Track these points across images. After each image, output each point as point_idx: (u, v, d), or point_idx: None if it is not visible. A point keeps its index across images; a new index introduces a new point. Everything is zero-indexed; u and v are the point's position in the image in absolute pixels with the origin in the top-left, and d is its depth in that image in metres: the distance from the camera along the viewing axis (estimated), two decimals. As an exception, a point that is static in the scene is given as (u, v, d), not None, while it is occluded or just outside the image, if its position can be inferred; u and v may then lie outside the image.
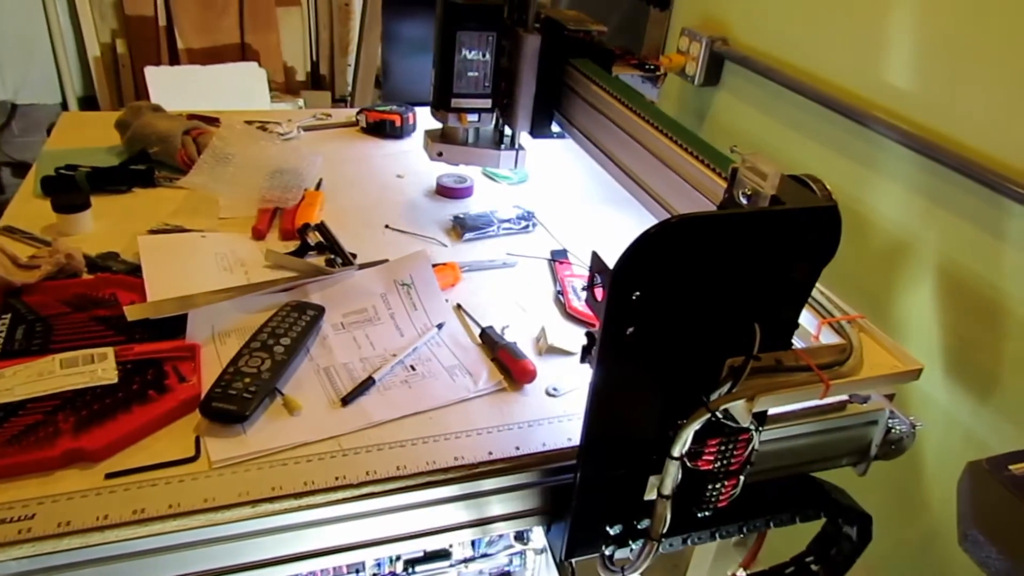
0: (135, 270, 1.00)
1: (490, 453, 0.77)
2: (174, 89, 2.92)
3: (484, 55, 1.12)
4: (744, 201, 0.73)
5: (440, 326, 0.97)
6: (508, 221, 1.24)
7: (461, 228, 1.22)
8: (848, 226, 1.33)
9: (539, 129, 1.23)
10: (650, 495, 0.74)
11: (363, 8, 3.29)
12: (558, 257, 1.15)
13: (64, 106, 3.29)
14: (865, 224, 1.28)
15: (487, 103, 1.18)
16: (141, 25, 3.20)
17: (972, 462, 0.64)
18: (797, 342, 0.88)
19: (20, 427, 0.73)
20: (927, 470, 1.20)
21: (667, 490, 0.71)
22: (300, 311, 0.93)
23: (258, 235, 1.14)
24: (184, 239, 1.10)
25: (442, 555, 1.12)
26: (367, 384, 0.85)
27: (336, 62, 3.65)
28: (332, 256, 1.10)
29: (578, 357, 0.75)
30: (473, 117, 1.18)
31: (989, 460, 0.64)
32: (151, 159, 1.29)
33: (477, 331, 0.97)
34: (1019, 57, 1.01)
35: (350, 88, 3.57)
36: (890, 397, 0.91)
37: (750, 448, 0.73)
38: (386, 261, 1.07)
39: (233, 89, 3.09)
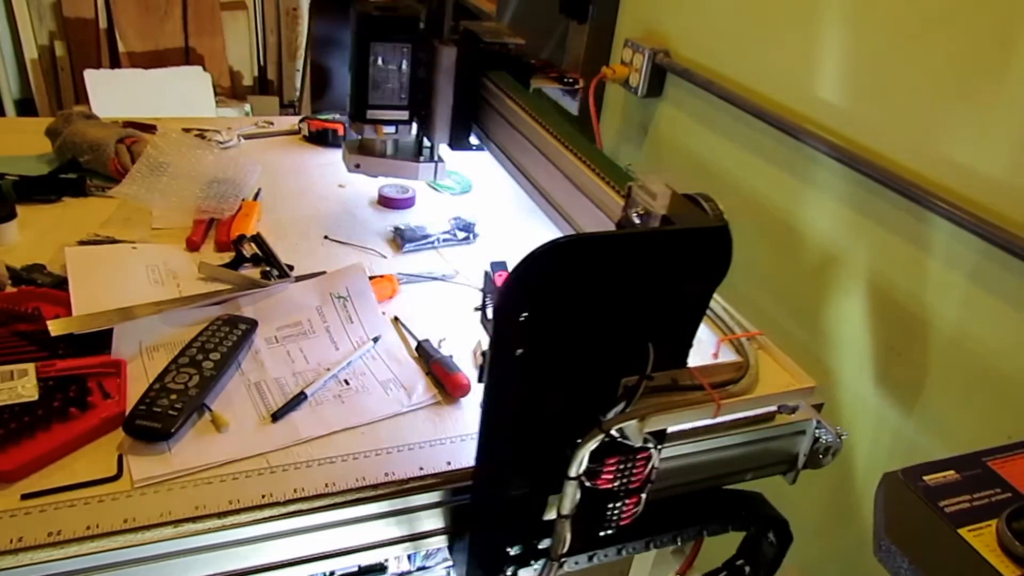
0: (61, 283, 0.97)
1: (420, 468, 0.77)
2: (115, 93, 2.86)
3: (399, 66, 1.11)
4: (637, 220, 0.73)
5: (376, 339, 0.96)
6: (449, 232, 1.24)
7: (401, 239, 1.21)
8: (781, 237, 1.36)
9: (458, 141, 1.22)
10: (550, 515, 0.74)
11: (310, 13, 3.26)
12: (497, 269, 1.15)
13: (0, 109, 3.20)
14: (798, 235, 1.31)
15: (404, 115, 1.17)
16: (81, 27, 3.12)
17: (888, 473, 0.65)
18: (702, 359, 0.89)
19: (-68, 447, 0.71)
20: (857, 477, 1.23)
21: (566, 510, 0.70)
22: (231, 325, 0.91)
23: (192, 247, 1.12)
24: (114, 251, 1.07)
25: (377, 569, 1.11)
26: (299, 399, 0.84)
27: (284, 67, 3.61)
28: (268, 268, 1.08)
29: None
30: (390, 129, 1.17)
31: (904, 470, 0.65)
32: (82, 168, 1.26)
33: (414, 344, 0.97)
34: (940, 76, 1.04)
35: (298, 93, 3.54)
36: (818, 408, 0.93)
37: (650, 467, 0.73)
38: (323, 273, 1.06)
39: (177, 94, 3.03)
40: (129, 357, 0.87)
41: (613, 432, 0.67)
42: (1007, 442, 0.70)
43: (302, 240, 1.19)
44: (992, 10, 0.98)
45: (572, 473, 0.68)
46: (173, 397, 0.79)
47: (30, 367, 0.81)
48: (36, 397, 0.77)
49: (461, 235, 1.25)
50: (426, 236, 1.22)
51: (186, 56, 3.31)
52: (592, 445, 0.66)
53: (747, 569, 0.97)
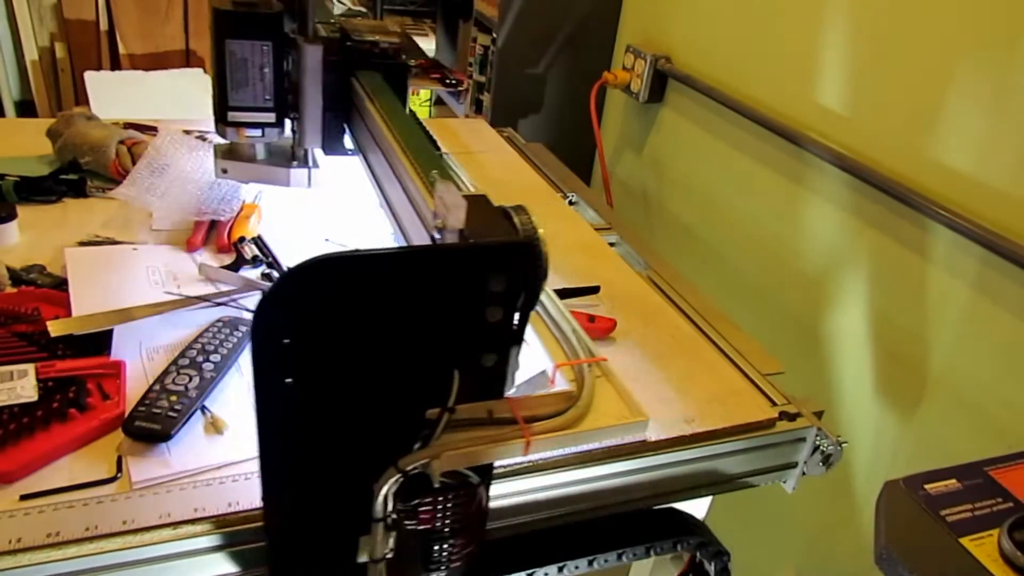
0: (61, 284, 0.97)
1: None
2: (115, 95, 2.86)
3: (261, 67, 1.04)
4: (436, 236, 0.66)
5: (376, 342, 0.96)
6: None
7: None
8: (782, 244, 1.36)
9: (331, 145, 1.14)
10: (362, 557, 0.66)
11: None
12: (498, 273, 1.16)
13: (0, 110, 3.20)
14: (799, 242, 1.31)
15: (270, 117, 1.09)
16: (81, 29, 3.12)
17: (889, 481, 0.65)
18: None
19: (-69, 447, 0.71)
20: (856, 486, 1.23)
21: (376, 554, 0.63)
22: (232, 327, 0.91)
23: (192, 248, 1.12)
24: (114, 252, 1.07)
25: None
26: (298, 402, 0.84)
27: (284, 70, 3.61)
28: (268, 270, 1.08)
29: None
30: (255, 132, 1.10)
31: (906, 479, 0.65)
32: (83, 169, 1.26)
33: (413, 347, 0.96)
34: (942, 85, 1.05)
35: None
36: (819, 415, 0.93)
37: (476, 504, 0.66)
38: (323, 276, 1.06)
39: (177, 96, 3.03)
40: (129, 358, 0.86)
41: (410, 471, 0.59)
42: (1008, 452, 0.70)
43: (303, 241, 1.19)
44: (995, 22, 0.98)
45: (376, 515, 0.60)
46: (173, 399, 0.78)
47: (30, 368, 0.80)
48: (35, 398, 0.77)
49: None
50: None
51: (186, 58, 3.31)
52: (389, 486, 0.59)
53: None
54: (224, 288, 1.02)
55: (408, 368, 0.58)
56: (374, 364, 0.57)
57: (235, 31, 1.01)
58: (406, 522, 0.63)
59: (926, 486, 0.65)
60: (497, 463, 0.76)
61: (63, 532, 0.65)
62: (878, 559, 0.60)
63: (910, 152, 1.10)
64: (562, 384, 0.72)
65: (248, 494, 0.71)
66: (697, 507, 0.99)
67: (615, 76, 1.83)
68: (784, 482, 0.94)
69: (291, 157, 1.17)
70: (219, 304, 0.97)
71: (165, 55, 3.25)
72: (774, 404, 0.92)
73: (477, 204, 0.62)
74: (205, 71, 3.16)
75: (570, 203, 1.41)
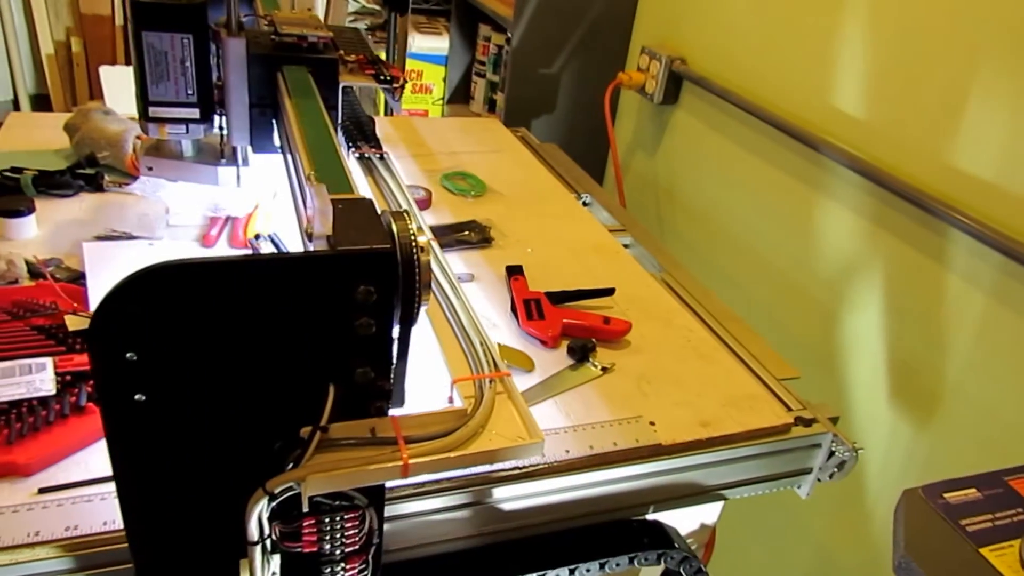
0: (78, 278, 0.98)
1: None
2: (129, 89, 2.86)
3: (182, 60, 1.00)
4: (307, 241, 0.62)
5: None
6: (465, 235, 1.24)
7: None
8: (797, 248, 1.35)
9: (259, 143, 1.09)
10: None
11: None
12: (513, 273, 1.16)
13: (16, 104, 3.21)
14: (814, 246, 1.31)
15: (194, 113, 1.04)
16: (97, 23, 3.14)
17: (908, 490, 0.65)
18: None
19: (-50, 439, 0.71)
20: (869, 494, 1.22)
21: None
22: (248, 323, 0.91)
23: (208, 244, 1.12)
24: (131, 247, 1.08)
25: None
26: (313, 399, 0.84)
27: (298, 67, 3.62)
28: (283, 267, 1.08)
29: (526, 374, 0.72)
30: (178, 128, 1.05)
31: (925, 488, 0.65)
32: (99, 163, 1.27)
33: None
34: (960, 91, 1.04)
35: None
36: (834, 420, 0.92)
37: (367, 526, 0.62)
38: (338, 274, 1.06)
39: (191, 91, 3.04)
40: (145, 353, 0.87)
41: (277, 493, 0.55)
42: (1028, 461, 0.69)
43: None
44: (1017, 24, 0.97)
45: (251, 538, 0.56)
46: (189, 395, 0.78)
47: (48, 361, 0.81)
48: (53, 391, 0.78)
49: (477, 238, 1.25)
50: (442, 239, 1.22)
51: (201, 54, 3.32)
52: (260, 509, 0.55)
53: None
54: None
55: (274, 382, 0.54)
56: (235, 378, 0.53)
57: (152, 23, 0.97)
58: (290, 545, 0.59)
59: (945, 495, 0.64)
60: (510, 463, 0.76)
61: (81, 526, 0.65)
62: (896, 568, 0.60)
63: (928, 157, 1.09)
64: (460, 402, 0.67)
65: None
66: (709, 513, 0.99)
67: (629, 77, 1.82)
68: (798, 488, 0.94)
69: (219, 155, 1.13)
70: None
71: (179, 50, 3.27)
72: (789, 409, 0.92)
73: (355, 209, 0.58)
74: (219, 67, 3.17)
75: (584, 204, 1.41)
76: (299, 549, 0.60)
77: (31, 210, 1.08)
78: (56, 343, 0.86)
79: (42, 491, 0.68)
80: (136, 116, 1.40)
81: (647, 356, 0.98)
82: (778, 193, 1.40)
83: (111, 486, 0.70)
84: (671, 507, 0.88)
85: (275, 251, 1.11)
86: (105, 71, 2.89)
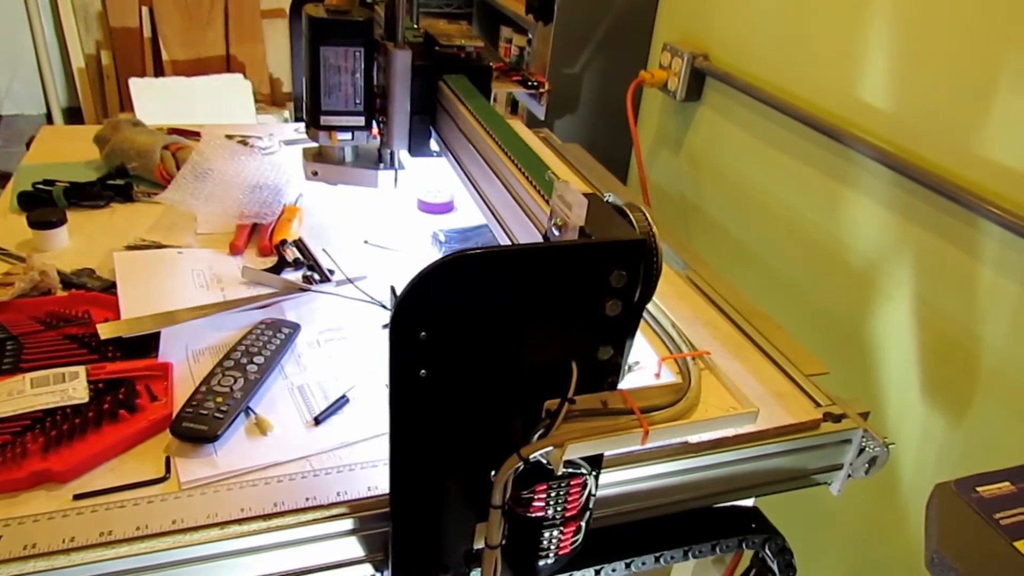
0: (110, 287, 0.99)
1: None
2: (158, 101, 2.91)
3: (352, 71, 1.08)
4: (556, 233, 0.69)
5: (416, 344, 0.97)
6: (488, 237, 1.24)
7: (440, 244, 1.21)
8: (825, 243, 1.34)
9: (417, 148, 1.17)
10: (478, 544, 0.70)
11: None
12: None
13: (48, 117, 3.27)
14: (842, 241, 1.29)
15: (360, 120, 1.13)
16: (126, 36, 3.19)
17: (940, 484, 0.64)
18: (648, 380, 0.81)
19: (-13, 448, 0.73)
20: (902, 489, 1.21)
21: (493, 540, 0.66)
22: (275, 329, 0.92)
23: (236, 251, 1.14)
24: (160, 255, 1.09)
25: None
26: (341, 402, 0.85)
27: (323, 74, 3.65)
28: (309, 272, 1.09)
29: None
30: (345, 135, 1.14)
31: (957, 481, 0.64)
32: (130, 174, 1.29)
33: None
34: (991, 80, 1.02)
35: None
36: (865, 416, 0.91)
37: (586, 493, 0.69)
38: (364, 278, 1.07)
39: (218, 101, 3.08)
40: (176, 360, 0.88)
41: (539, 458, 0.62)
42: (1064, 453, 0.68)
43: (343, 244, 1.20)
44: (1045, 11, 0.96)
45: (495, 502, 0.63)
46: (219, 400, 0.80)
47: (81, 370, 0.82)
48: (87, 399, 0.79)
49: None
50: (465, 241, 1.22)
51: (227, 64, 3.36)
52: (512, 473, 0.62)
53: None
54: (266, 291, 1.04)
55: (530, 360, 0.62)
56: (500, 356, 0.61)
57: (329, 38, 1.05)
58: (519, 510, 0.66)
59: (978, 489, 0.63)
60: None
61: (115, 531, 0.67)
62: (929, 563, 0.59)
63: (956, 146, 1.07)
64: (669, 377, 0.74)
65: (293, 494, 0.72)
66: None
67: (652, 75, 1.82)
68: (829, 484, 0.93)
69: (377, 160, 1.21)
70: (263, 307, 0.99)
71: (206, 60, 3.31)
72: (818, 405, 0.90)
73: (593, 202, 0.64)
74: (245, 76, 3.21)
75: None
76: (527, 514, 0.67)
77: (63, 221, 1.10)
78: (89, 351, 0.87)
79: (77, 497, 0.70)
80: (161, 127, 1.43)
81: (673, 354, 0.97)
82: (804, 187, 1.39)
83: (144, 491, 0.71)
84: (700, 504, 0.88)
85: (300, 257, 1.12)
86: (135, 83, 2.94)
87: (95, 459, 0.73)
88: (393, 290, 0.60)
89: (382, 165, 1.21)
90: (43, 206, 1.16)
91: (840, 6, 1.27)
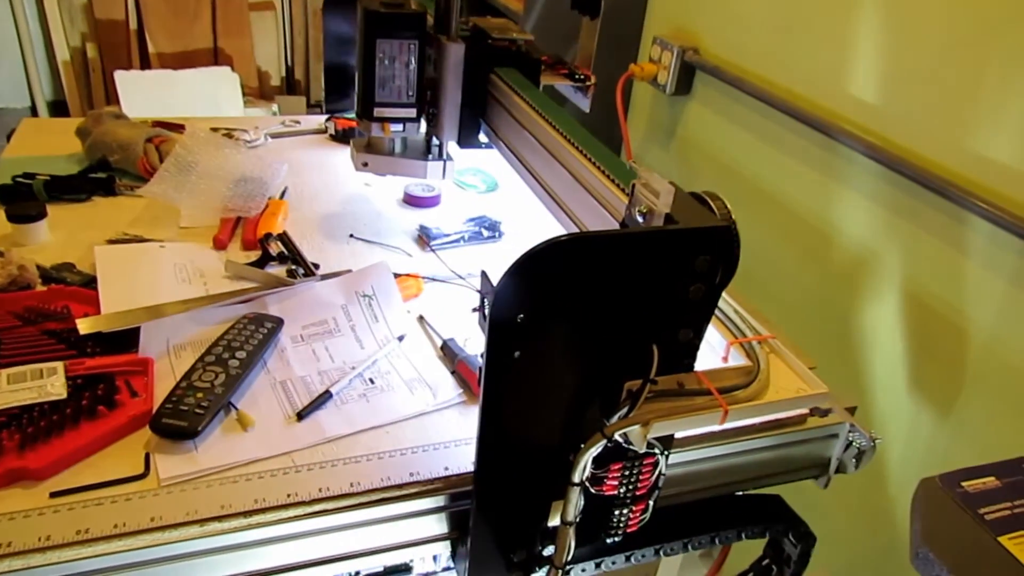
0: (90, 282, 0.98)
1: (446, 468, 0.77)
2: (145, 94, 2.89)
3: (407, 64, 1.10)
4: (640, 219, 0.70)
5: (401, 338, 0.96)
6: (475, 231, 1.24)
7: (427, 237, 1.21)
8: (814, 238, 1.34)
9: (466, 139, 1.19)
10: (553, 521, 0.72)
11: (323, 12, 3.27)
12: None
13: (33, 110, 3.24)
14: (831, 236, 1.29)
15: (411, 112, 1.15)
16: (111, 29, 3.16)
17: (925, 479, 0.63)
18: (712, 363, 0.87)
19: (-37, 445, 0.71)
20: (890, 483, 1.21)
21: (569, 516, 0.69)
22: (257, 323, 0.91)
23: (219, 245, 1.13)
24: (142, 249, 1.08)
25: (402, 569, 1.11)
26: (324, 398, 0.84)
27: (311, 67, 3.63)
28: (294, 267, 1.08)
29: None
30: (397, 127, 1.15)
31: (942, 477, 0.64)
32: (112, 167, 1.27)
33: (439, 343, 0.96)
34: (980, 74, 1.02)
35: (324, 93, 3.55)
36: (851, 411, 0.91)
37: (657, 473, 0.71)
38: (349, 272, 1.06)
39: (205, 94, 3.06)
40: (156, 355, 0.87)
41: (617, 437, 0.65)
42: (1049, 448, 0.68)
43: (328, 239, 1.19)
44: (1032, 3, 0.95)
45: (575, 479, 0.66)
46: (199, 395, 0.79)
47: (59, 365, 0.81)
48: (65, 395, 0.78)
49: (487, 234, 1.24)
50: (451, 235, 1.21)
51: (215, 57, 3.33)
52: (594, 451, 0.64)
53: (774, 569, 0.95)
54: (250, 285, 1.03)
55: (617, 341, 0.64)
56: (587, 338, 0.63)
57: (385, 31, 1.07)
58: (593, 488, 0.69)
59: (963, 483, 0.63)
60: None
61: (92, 529, 0.66)
62: (914, 558, 0.59)
63: (945, 141, 1.07)
64: (737, 360, 0.79)
65: (274, 491, 0.71)
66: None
67: (642, 68, 1.81)
68: (816, 479, 0.93)
69: (425, 151, 1.23)
70: (246, 301, 0.98)
71: (193, 53, 3.29)
72: (805, 400, 0.90)
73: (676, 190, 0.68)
74: (232, 69, 3.19)
75: (596, 197, 1.40)
76: (601, 492, 0.69)
77: (43, 215, 1.08)
78: (68, 347, 0.86)
79: (53, 495, 0.69)
80: (145, 119, 1.42)
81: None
82: (794, 182, 1.38)
83: (123, 488, 0.70)
84: (682, 500, 0.87)
85: (285, 251, 1.11)
86: (121, 76, 2.92)
87: (73, 456, 0.72)
88: (484, 274, 0.61)
89: (431, 156, 1.23)
90: (23, 200, 1.14)
91: (829, 1, 1.27)
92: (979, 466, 0.64)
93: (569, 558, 0.71)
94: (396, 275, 1.05)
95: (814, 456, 0.90)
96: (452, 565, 1.17)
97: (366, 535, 0.74)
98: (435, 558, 1.14)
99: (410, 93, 1.12)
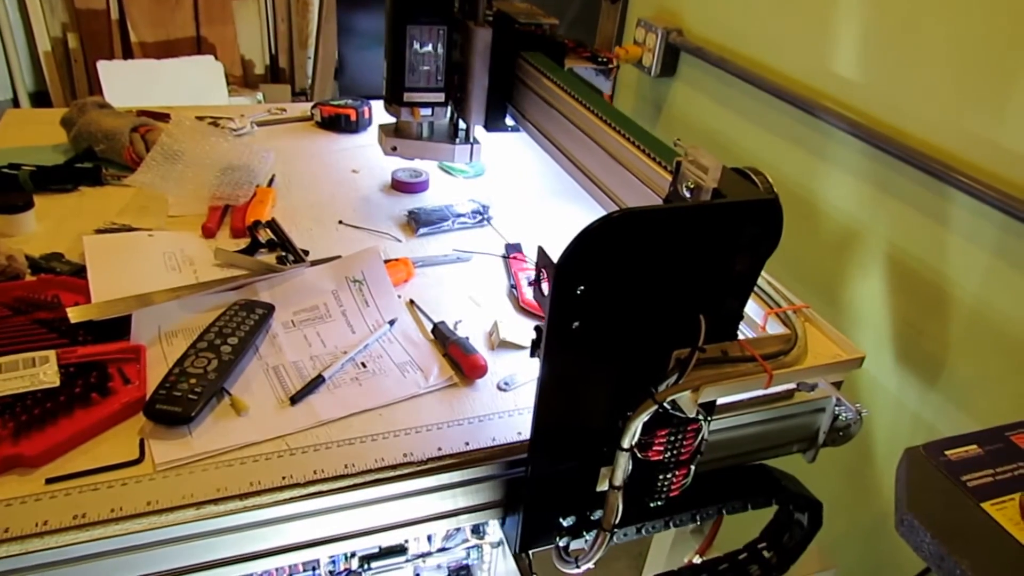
0: (80, 271, 0.98)
1: (439, 449, 0.77)
2: (128, 84, 2.87)
3: (435, 49, 1.13)
4: (687, 194, 0.74)
5: (392, 322, 0.97)
6: (463, 215, 1.24)
7: (415, 223, 1.21)
8: (800, 215, 1.35)
9: (493, 123, 1.23)
10: (602, 486, 0.75)
11: (320, 0, 3.26)
12: (512, 251, 1.15)
13: (15, 102, 3.21)
14: (816, 213, 1.30)
15: (440, 97, 1.18)
16: (92, 18, 3.13)
17: (909, 448, 0.65)
18: (746, 332, 0.90)
19: (-43, 434, 0.72)
20: (877, 455, 1.22)
21: (618, 481, 0.72)
22: (248, 310, 0.92)
23: (208, 233, 1.13)
24: (131, 238, 1.08)
25: (398, 551, 1.12)
26: (316, 382, 0.85)
27: (295, 55, 3.61)
28: (283, 253, 1.08)
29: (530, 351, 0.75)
30: (426, 111, 1.18)
31: (926, 446, 0.65)
32: (97, 157, 1.27)
33: (429, 327, 0.97)
34: (961, 50, 1.03)
35: (310, 81, 3.53)
36: (837, 385, 0.92)
37: (699, 438, 0.74)
38: (338, 258, 1.06)
39: (189, 83, 3.04)
40: (148, 343, 0.87)
41: (666, 404, 0.68)
42: (1030, 416, 0.69)
43: (317, 225, 1.19)
44: (1012, -21, 0.96)
45: (625, 444, 0.69)
46: (192, 381, 0.79)
47: (51, 354, 0.81)
48: (58, 383, 0.78)
49: (475, 218, 1.25)
50: (440, 220, 1.22)
51: (198, 46, 3.31)
52: (645, 416, 0.67)
53: (767, 554, 0.97)
54: (240, 272, 1.03)
55: (667, 311, 0.66)
56: (642, 308, 0.65)
57: (414, 16, 1.10)
58: (640, 454, 0.71)
59: (947, 452, 0.64)
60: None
61: (88, 514, 0.66)
62: (899, 525, 0.60)
63: (928, 118, 1.08)
64: (775, 328, 0.83)
65: (269, 474, 0.72)
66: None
67: (626, 51, 1.81)
68: (804, 452, 0.94)
69: (451, 135, 1.26)
70: (236, 288, 0.98)
71: (176, 42, 3.26)
72: (792, 375, 0.91)
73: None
74: (216, 58, 3.17)
75: (584, 179, 1.40)
76: (647, 457, 0.72)
77: (30, 205, 1.08)
78: (59, 336, 0.86)
79: (49, 481, 0.69)
80: (130, 109, 1.41)
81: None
82: (779, 159, 1.39)
83: (118, 474, 0.71)
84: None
85: (274, 238, 1.11)
86: (103, 66, 2.89)
87: (67, 443, 0.73)
88: (541, 249, 0.64)
89: (458, 140, 1.25)
90: (9, 190, 1.14)
91: (811, -22, 1.27)
92: (962, 435, 0.66)
93: (617, 521, 0.74)
94: (386, 260, 1.05)
95: (802, 429, 0.91)
96: (447, 546, 1.19)
97: (360, 516, 0.75)
98: (429, 538, 1.16)
99: (439, 78, 1.16)
